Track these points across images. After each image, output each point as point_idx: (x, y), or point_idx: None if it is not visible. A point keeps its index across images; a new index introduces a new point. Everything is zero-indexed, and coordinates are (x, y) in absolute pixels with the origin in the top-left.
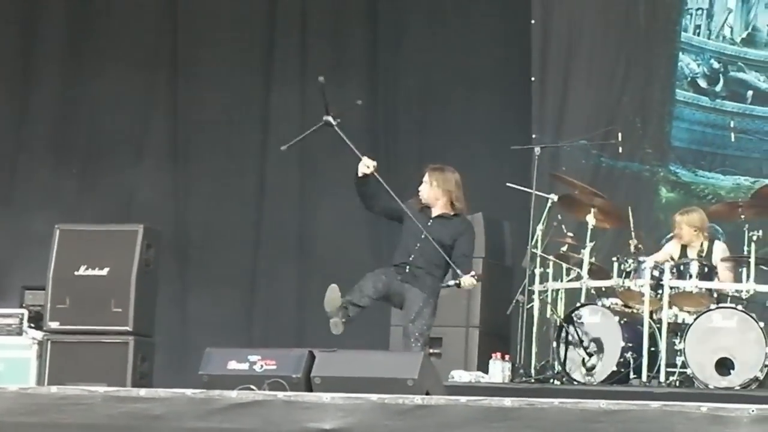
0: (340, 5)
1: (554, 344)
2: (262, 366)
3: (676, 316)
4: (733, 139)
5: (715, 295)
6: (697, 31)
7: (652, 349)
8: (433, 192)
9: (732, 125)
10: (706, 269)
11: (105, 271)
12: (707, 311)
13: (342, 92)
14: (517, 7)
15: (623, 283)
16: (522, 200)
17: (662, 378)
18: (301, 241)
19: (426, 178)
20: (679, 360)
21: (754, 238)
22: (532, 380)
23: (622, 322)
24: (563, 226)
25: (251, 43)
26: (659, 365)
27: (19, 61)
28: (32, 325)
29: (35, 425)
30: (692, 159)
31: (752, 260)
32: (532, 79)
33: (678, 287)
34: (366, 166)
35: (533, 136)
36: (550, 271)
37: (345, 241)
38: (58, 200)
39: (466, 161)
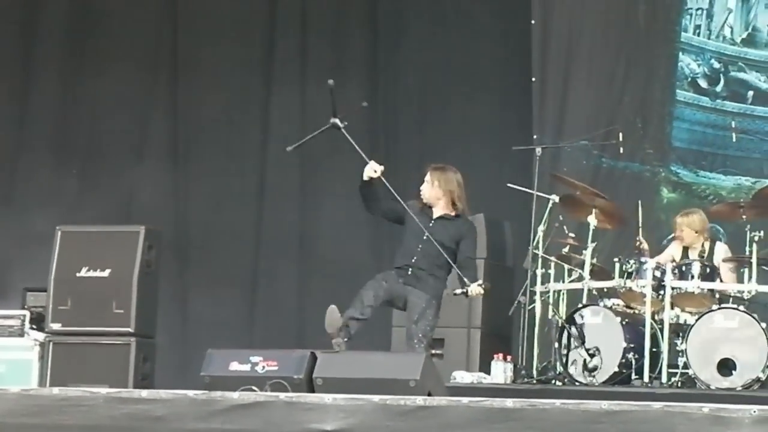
0: (340, 5)
1: (556, 345)
2: (263, 367)
3: (677, 316)
4: (734, 140)
5: (717, 295)
6: (697, 31)
7: (654, 349)
8: (435, 191)
9: (733, 125)
10: (708, 270)
11: (106, 273)
12: (709, 312)
13: (342, 92)
14: (517, 7)
15: (625, 283)
16: (523, 201)
17: (664, 379)
18: (301, 241)
19: (428, 177)
20: (680, 361)
21: (756, 238)
22: (534, 381)
23: (623, 322)
24: (565, 227)
25: (251, 43)
26: (661, 366)
27: (19, 61)
28: (34, 326)
29: (37, 426)
30: (693, 159)
31: (754, 261)
32: (533, 79)
33: (680, 288)
34: (373, 170)
35: (534, 136)
36: (551, 271)
37: (346, 241)
38: (58, 200)
39: (467, 161)
